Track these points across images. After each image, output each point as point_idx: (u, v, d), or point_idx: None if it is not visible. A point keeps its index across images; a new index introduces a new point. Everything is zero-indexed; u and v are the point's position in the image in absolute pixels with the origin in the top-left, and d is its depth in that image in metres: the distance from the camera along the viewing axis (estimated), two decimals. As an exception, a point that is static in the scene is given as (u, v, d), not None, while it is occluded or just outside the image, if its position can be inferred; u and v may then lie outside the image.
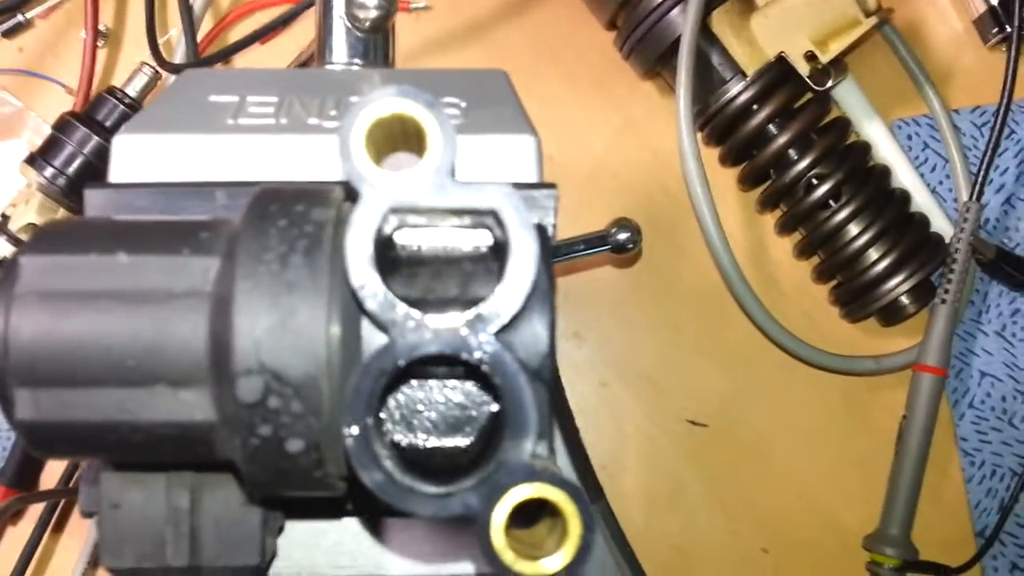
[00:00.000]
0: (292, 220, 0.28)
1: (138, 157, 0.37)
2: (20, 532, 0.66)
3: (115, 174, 0.37)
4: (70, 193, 0.62)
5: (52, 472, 0.66)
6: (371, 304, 0.26)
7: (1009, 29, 0.67)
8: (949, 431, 0.69)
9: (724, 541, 0.69)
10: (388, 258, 0.29)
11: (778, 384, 0.70)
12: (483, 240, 0.30)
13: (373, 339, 0.28)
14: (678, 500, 0.69)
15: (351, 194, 0.31)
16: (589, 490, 0.61)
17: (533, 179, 0.38)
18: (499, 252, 0.29)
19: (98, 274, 0.28)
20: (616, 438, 0.70)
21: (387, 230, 0.29)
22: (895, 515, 0.66)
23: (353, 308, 0.27)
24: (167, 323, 0.28)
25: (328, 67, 0.45)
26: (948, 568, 0.66)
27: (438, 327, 0.26)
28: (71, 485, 0.64)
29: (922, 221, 0.67)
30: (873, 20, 0.62)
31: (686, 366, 0.70)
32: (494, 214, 0.27)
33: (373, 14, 0.43)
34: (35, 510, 0.65)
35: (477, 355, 0.26)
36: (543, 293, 0.28)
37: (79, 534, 0.66)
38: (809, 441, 0.70)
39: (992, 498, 0.69)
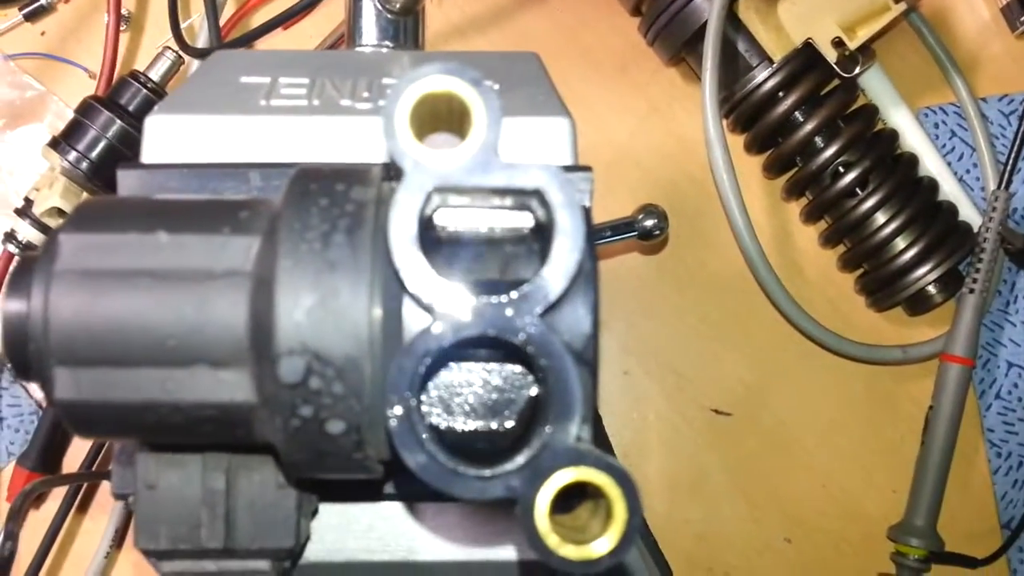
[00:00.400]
0: (333, 199, 0.28)
1: (171, 137, 0.36)
2: (43, 515, 0.66)
3: (148, 154, 0.36)
4: (93, 177, 0.62)
5: (75, 456, 0.66)
6: (415, 284, 0.26)
7: (1039, 16, 0.67)
8: (976, 422, 0.69)
9: (746, 530, 0.69)
10: (429, 239, 0.29)
11: (803, 373, 0.69)
12: (524, 222, 0.30)
13: (413, 320, 0.28)
14: (700, 488, 0.69)
15: (389, 174, 0.30)
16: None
17: (568, 161, 0.37)
18: (541, 233, 0.29)
19: (138, 253, 0.28)
20: (639, 426, 0.69)
21: (428, 210, 0.28)
22: (921, 505, 0.65)
23: (395, 288, 0.27)
24: (208, 303, 0.27)
25: (358, 49, 0.45)
26: (974, 559, 0.65)
27: (482, 307, 0.26)
28: (93, 469, 0.64)
29: (950, 210, 0.66)
30: (902, 6, 0.61)
31: (710, 354, 0.69)
32: (539, 194, 0.27)
33: (404, -4, 0.43)
34: (58, 493, 0.65)
35: (522, 336, 0.26)
36: (587, 275, 0.28)
37: (102, 517, 0.67)
38: (833, 430, 0.69)
39: (1018, 489, 0.69)
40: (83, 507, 0.66)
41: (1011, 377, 0.69)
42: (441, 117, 0.28)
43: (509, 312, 0.26)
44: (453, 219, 0.30)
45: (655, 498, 0.69)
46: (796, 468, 0.69)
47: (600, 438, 0.62)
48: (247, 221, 0.28)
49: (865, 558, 0.69)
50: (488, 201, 0.28)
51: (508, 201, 0.28)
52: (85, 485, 0.65)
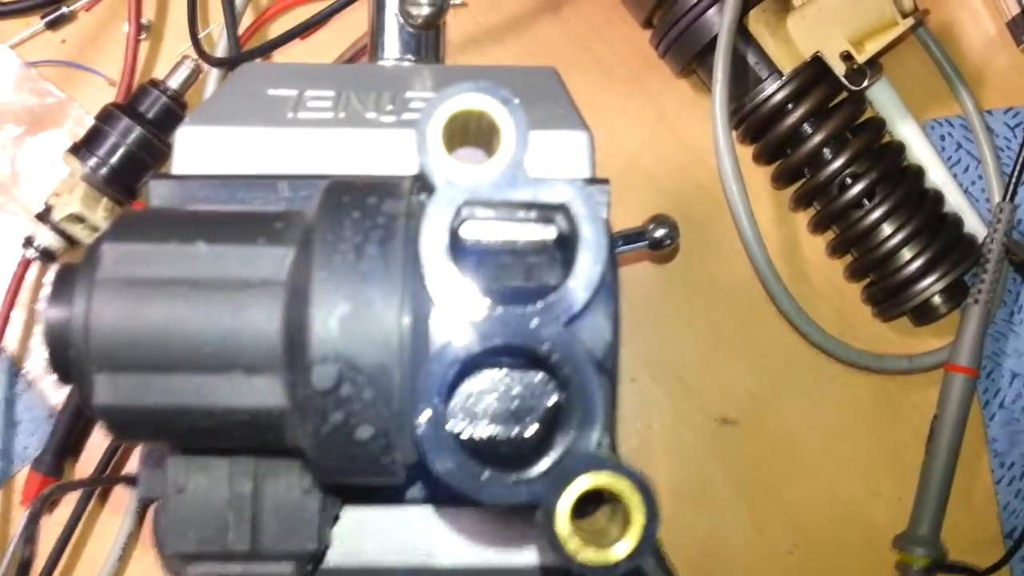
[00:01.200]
0: (365, 212, 0.28)
1: (201, 149, 0.37)
2: (56, 518, 0.66)
3: (179, 165, 0.37)
4: (112, 183, 0.62)
5: (88, 460, 0.67)
6: (445, 295, 0.27)
7: (1044, 31, 0.68)
8: (979, 432, 0.70)
9: (751, 538, 0.70)
10: (457, 248, 0.29)
11: (809, 382, 0.70)
12: (547, 234, 0.31)
13: (441, 329, 0.29)
14: (706, 497, 0.70)
15: (418, 187, 0.31)
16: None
17: (587, 174, 0.38)
18: (564, 245, 0.30)
19: (178, 262, 0.28)
20: (645, 434, 0.70)
21: (457, 223, 0.29)
22: (925, 515, 0.66)
23: (424, 299, 0.28)
24: (244, 311, 0.28)
25: (381, 63, 0.46)
26: (977, 569, 0.66)
27: (509, 317, 0.27)
28: (107, 473, 0.65)
29: (955, 221, 0.67)
30: (910, 21, 0.62)
31: (716, 362, 0.70)
32: (563, 208, 0.28)
33: (426, 11, 0.44)
34: (71, 497, 0.66)
35: (547, 346, 0.27)
36: (609, 286, 0.29)
37: (114, 520, 0.67)
38: (839, 439, 0.70)
39: (1021, 499, 0.69)
40: (96, 510, 0.67)
41: (1015, 387, 0.70)
42: (470, 132, 0.29)
43: (534, 322, 0.27)
44: (480, 231, 0.31)
45: (661, 506, 0.69)
46: (801, 476, 0.70)
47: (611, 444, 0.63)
48: (282, 232, 0.29)
49: (869, 567, 0.69)
50: (514, 214, 0.29)
51: (533, 214, 0.29)
52: (99, 489, 0.65)
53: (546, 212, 0.29)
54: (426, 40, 0.45)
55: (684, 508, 0.70)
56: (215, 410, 0.29)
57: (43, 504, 0.57)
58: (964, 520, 0.69)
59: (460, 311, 0.27)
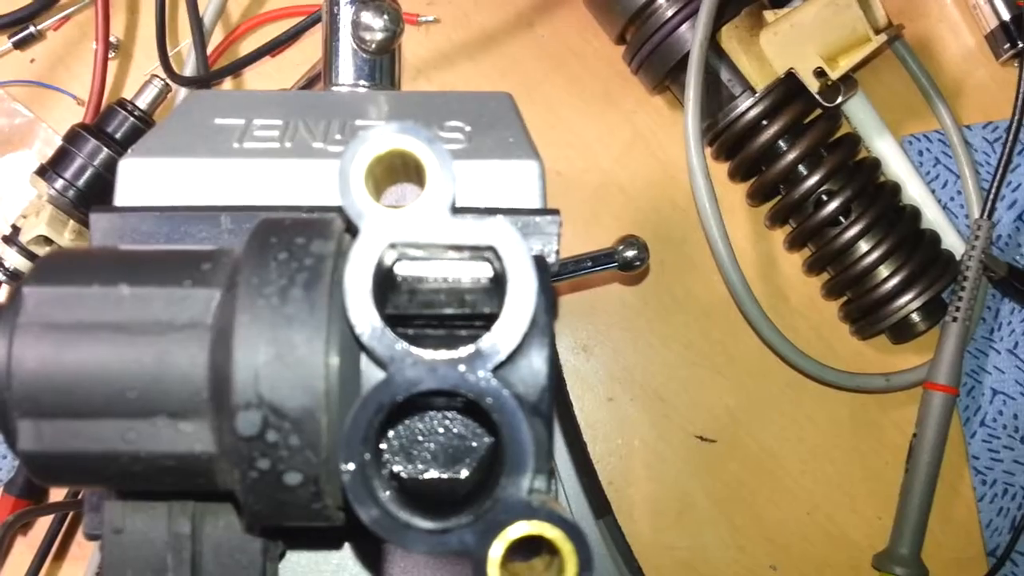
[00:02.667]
0: (292, 253, 0.28)
1: (144, 181, 0.37)
2: (29, 542, 0.66)
3: (121, 197, 0.37)
4: (80, 205, 0.62)
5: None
6: (369, 340, 0.26)
7: (1021, 44, 0.67)
8: (960, 449, 0.69)
9: (731, 557, 0.69)
10: (389, 286, 0.29)
11: (787, 400, 0.69)
12: (483, 272, 0.30)
13: (372, 372, 0.29)
14: (685, 515, 0.69)
15: (352, 225, 0.31)
16: (595, 504, 0.61)
17: (536, 204, 0.38)
18: (499, 282, 0.29)
19: (101, 305, 0.28)
20: (624, 452, 0.70)
21: (387, 262, 0.29)
22: (905, 533, 0.65)
23: (352, 342, 0.27)
24: (168, 355, 0.28)
25: (334, 88, 0.45)
26: (957, 588, 0.65)
27: (436, 363, 0.26)
28: (79, 497, 0.64)
29: (933, 238, 0.66)
30: (883, 37, 0.62)
31: (695, 381, 0.70)
32: (492, 249, 0.27)
33: (379, 36, 0.43)
34: (43, 521, 0.65)
35: (475, 392, 0.26)
36: (542, 327, 0.28)
37: (88, 545, 0.67)
38: (818, 458, 0.69)
39: (1004, 517, 0.69)
40: (68, 536, 0.66)
41: (995, 404, 0.69)
42: (400, 170, 0.29)
43: (462, 368, 0.26)
44: (414, 269, 0.30)
45: (639, 524, 0.69)
46: (781, 495, 0.69)
47: (584, 464, 0.62)
48: (209, 274, 0.29)
49: (850, 585, 0.69)
50: (446, 254, 0.28)
51: (466, 253, 0.29)
52: (71, 514, 0.65)
53: (478, 252, 0.28)
54: (380, 65, 0.45)
55: (664, 526, 0.69)
56: (141, 456, 0.28)
57: (8, 530, 0.56)
58: (946, 538, 0.69)
59: (385, 356, 0.26)
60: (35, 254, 0.63)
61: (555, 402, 0.29)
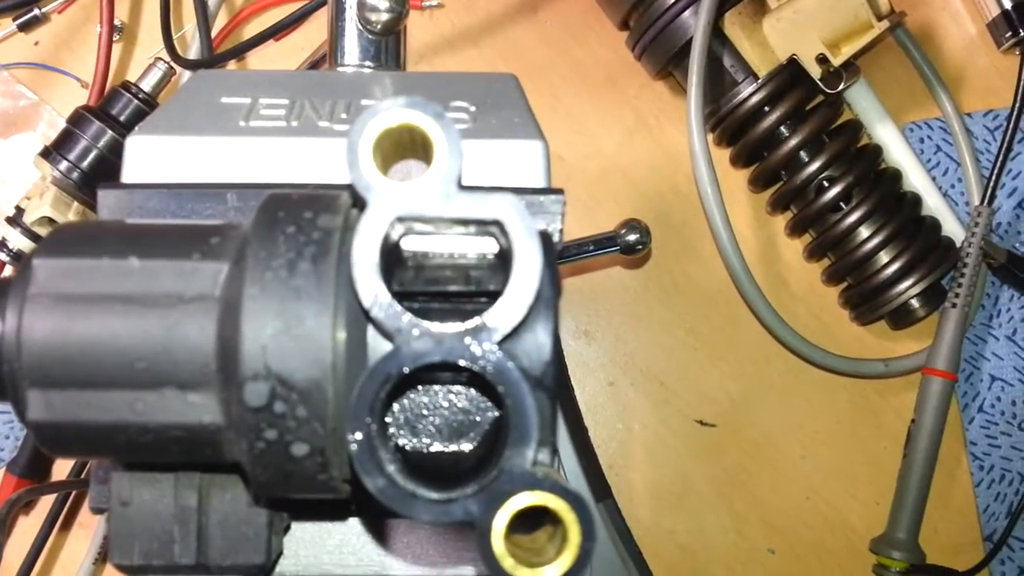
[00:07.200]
0: (300, 227, 0.28)
1: (151, 158, 0.37)
2: (31, 522, 0.66)
3: (128, 174, 0.37)
4: (84, 186, 0.62)
5: (64, 463, 0.67)
6: (376, 312, 0.26)
7: (1022, 33, 0.67)
8: (958, 435, 0.69)
9: (731, 540, 0.70)
10: (395, 262, 0.29)
11: (787, 385, 0.70)
12: (489, 247, 0.30)
13: (379, 345, 0.29)
14: (685, 499, 0.70)
15: (358, 200, 0.31)
16: (596, 488, 0.62)
17: (541, 184, 0.38)
18: (505, 258, 0.30)
19: (110, 278, 0.28)
20: (624, 437, 0.70)
21: (394, 236, 0.29)
22: (903, 518, 0.66)
23: (359, 314, 0.28)
24: (177, 327, 0.28)
25: (340, 69, 0.45)
26: (956, 572, 0.66)
27: (442, 335, 0.27)
28: (82, 476, 0.65)
29: (933, 225, 0.67)
30: (885, 24, 0.62)
31: (695, 366, 0.70)
32: (499, 223, 0.27)
33: (384, 17, 0.43)
34: (46, 501, 0.66)
35: (480, 364, 0.26)
36: (547, 302, 0.28)
37: (90, 525, 0.67)
38: (817, 443, 0.70)
39: (1001, 502, 0.69)
40: (71, 515, 0.67)
41: (994, 391, 0.69)
42: (408, 145, 0.29)
43: (468, 340, 0.27)
44: (420, 244, 0.30)
45: (639, 508, 0.69)
46: (780, 479, 0.70)
47: (584, 448, 0.62)
48: (217, 247, 0.29)
49: (848, 570, 0.69)
50: (452, 228, 0.29)
51: (472, 228, 0.29)
52: (73, 493, 0.65)
53: (484, 227, 0.28)
54: (385, 46, 0.45)
55: (664, 510, 0.69)
56: (150, 426, 0.29)
57: (10, 509, 0.56)
58: (944, 523, 0.69)
59: (392, 329, 0.27)
60: (39, 235, 0.63)
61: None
